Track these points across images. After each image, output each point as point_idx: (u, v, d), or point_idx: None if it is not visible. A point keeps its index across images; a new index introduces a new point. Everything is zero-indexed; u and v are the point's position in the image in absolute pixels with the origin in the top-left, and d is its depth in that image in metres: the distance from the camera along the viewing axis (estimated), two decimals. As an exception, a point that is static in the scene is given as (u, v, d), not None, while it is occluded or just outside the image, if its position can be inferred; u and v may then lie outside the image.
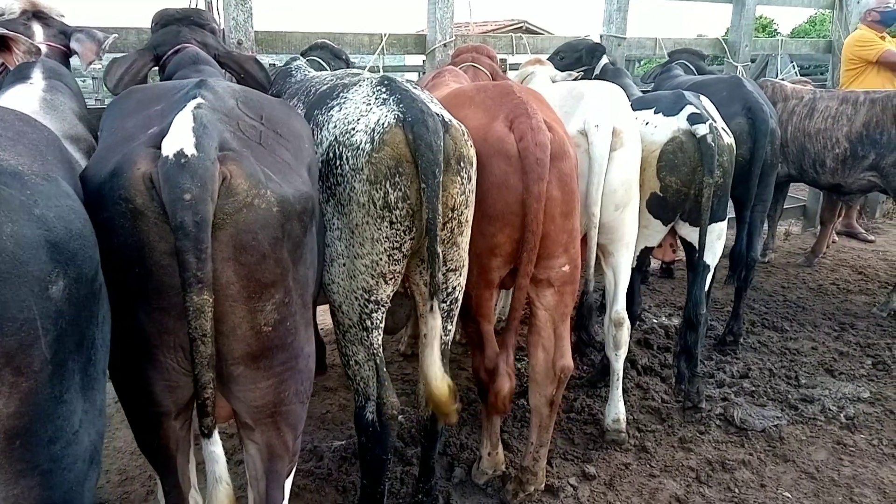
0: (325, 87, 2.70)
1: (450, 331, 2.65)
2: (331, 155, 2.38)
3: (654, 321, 5.16)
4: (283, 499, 2.03)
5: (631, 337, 4.63)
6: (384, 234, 2.34)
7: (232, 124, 1.83)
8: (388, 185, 2.29)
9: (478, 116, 2.79)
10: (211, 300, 1.65)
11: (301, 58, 3.84)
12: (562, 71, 4.48)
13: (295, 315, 1.89)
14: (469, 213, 2.51)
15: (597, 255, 3.29)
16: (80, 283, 1.41)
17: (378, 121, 2.31)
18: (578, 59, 5.05)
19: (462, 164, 2.40)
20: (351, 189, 2.33)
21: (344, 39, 4.37)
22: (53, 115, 2.35)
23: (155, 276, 1.68)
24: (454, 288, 2.59)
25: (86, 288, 1.44)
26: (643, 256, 3.74)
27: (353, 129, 2.34)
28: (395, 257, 2.38)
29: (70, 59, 2.96)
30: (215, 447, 1.82)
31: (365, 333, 2.48)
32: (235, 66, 3.33)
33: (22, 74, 2.52)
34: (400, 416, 2.62)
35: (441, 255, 2.37)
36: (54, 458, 1.38)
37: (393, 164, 2.28)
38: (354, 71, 3.05)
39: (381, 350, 2.52)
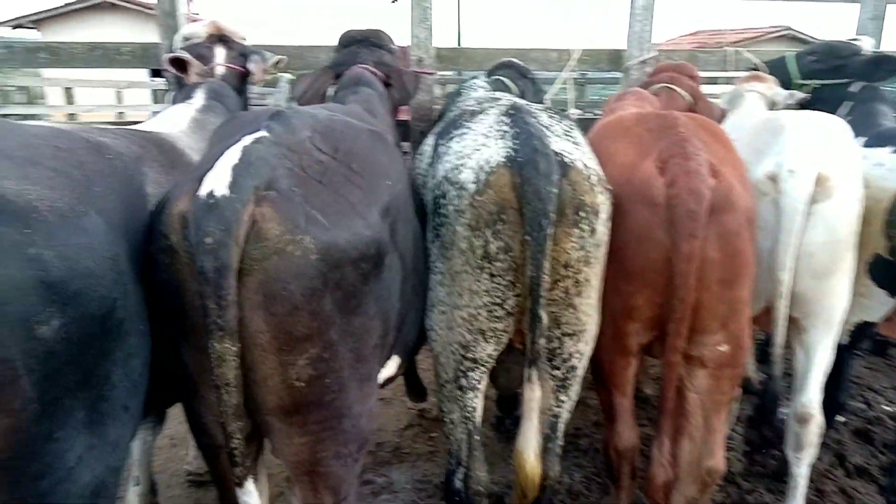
0: (456, 113, 2.47)
1: (563, 402, 2.26)
2: (438, 192, 2.16)
3: (885, 409, 4.05)
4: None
5: (845, 426, 3.72)
6: (483, 287, 2.06)
7: (293, 160, 1.69)
8: (489, 234, 2.00)
9: (627, 153, 2.35)
10: (234, 349, 1.54)
11: (480, 77, 3.66)
12: (807, 79, 3.64)
13: (340, 371, 1.70)
14: (592, 272, 2.11)
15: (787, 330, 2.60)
16: (84, 321, 1.37)
17: (487, 158, 2.03)
18: (839, 68, 3.85)
19: (582, 214, 2.01)
20: (453, 232, 2.09)
21: (530, 56, 4.10)
22: (199, 133, 2.46)
23: (190, 315, 1.61)
24: (570, 355, 2.20)
25: (94, 326, 1.40)
26: (860, 332, 2.91)
27: (463, 164, 2.09)
28: (497, 314, 2.08)
29: (247, 78, 3.14)
30: (248, 497, 1.72)
31: (460, 392, 2.22)
32: (398, 85, 3.28)
33: (186, 94, 2.70)
34: (485, 496, 2.30)
35: (546, 318, 2.01)
36: (42, 493, 1.36)
37: (496, 210, 1.98)
38: (496, 95, 2.78)
39: (477, 414, 2.24)
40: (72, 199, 1.44)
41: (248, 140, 1.66)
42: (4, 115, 11.50)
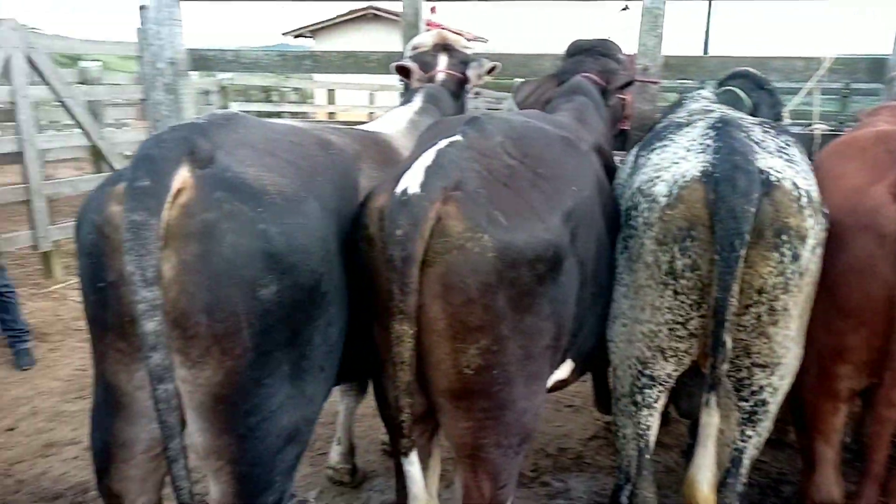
0: (663, 125, 2.42)
1: (749, 437, 2.11)
2: (630, 203, 2.14)
3: None
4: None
5: None
6: (666, 304, 2.00)
7: (482, 163, 1.81)
8: (676, 249, 1.95)
9: (858, 175, 2.11)
10: (412, 332, 1.70)
11: (708, 87, 3.50)
12: None
13: (507, 365, 1.79)
14: (792, 301, 1.93)
15: None
16: (295, 289, 1.63)
17: (683, 172, 1.97)
18: None
19: (784, 237, 1.86)
20: (640, 245, 2.06)
21: (771, 65, 3.77)
22: (413, 134, 2.71)
23: (380, 298, 1.80)
24: (761, 388, 2.04)
25: (302, 294, 1.65)
26: None
27: (659, 177, 2.05)
28: (679, 333, 2.01)
29: (465, 84, 3.34)
30: (411, 467, 1.89)
31: (634, 408, 2.18)
32: (617, 94, 3.27)
33: (408, 97, 2.98)
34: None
35: (730, 344, 1.90)
36: (249, 426, 1.64)
37: (685, 226, 1.92)
38: (710, 107, 2.64)
39: (650, 433, 2.18)
40: (297, 186, 1.71)
41: (443, 143, 1.81)
42: (280, 112, 13.40)
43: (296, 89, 14.86)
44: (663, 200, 1.98)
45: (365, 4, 20.11)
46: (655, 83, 3.78)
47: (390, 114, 2.88)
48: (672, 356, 2.06)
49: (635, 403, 2.17)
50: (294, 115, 13.31)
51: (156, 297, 1.42)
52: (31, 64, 6.02)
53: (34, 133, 6.20)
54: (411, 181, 1.70)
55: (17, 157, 6.17)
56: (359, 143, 2.23)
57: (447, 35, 3.35)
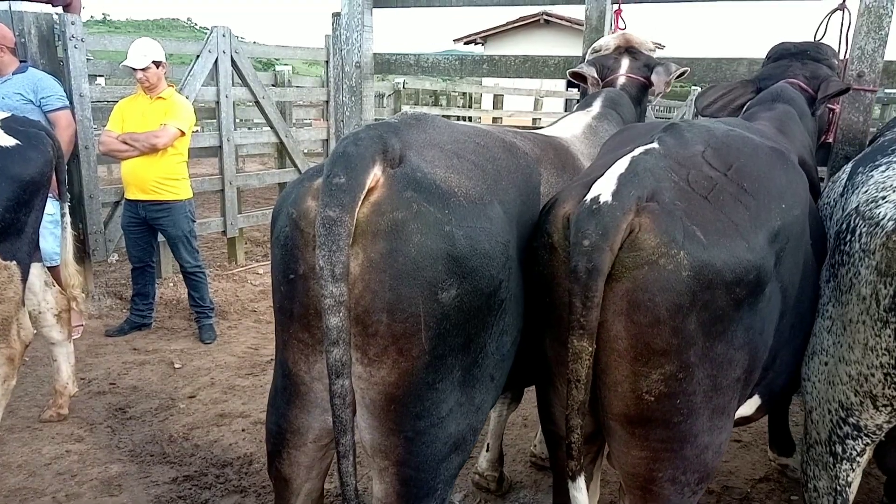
0: (889, 138, 2.11)
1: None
2: (844, 226, 1.89)
3: None
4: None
5: None
6: (884, 345, 1.74)
7: (681, 174, 1.68)
8: (902, 282, 1.68)
9: None
10: (591, 349, 1.61)
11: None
12: None
13: (692, 395, 1.65)
14: None
15: None
16: (474, 295, 1.60)
17: (917, 194, 1.70)
18: None
19: None
20: (855, 274, 1.81)
21: None
22: (592, 139, 2.61)
23: (558, 310, 1.73)
24: None
25: (481, 300, 1.62)
26: None
27: (884, 197, 1.79)
28: (896, 379, 1.74)
29: (648, 89, 3.17)
30: (578, 493, 1.80)
31: (832, 459, 1.93)
32: (826, 103, 2.93)
33: (587, 102, 2.87)
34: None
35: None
36: (417, 430, 1.64)
37: (916, 256, 1.65)
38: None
39: (850, 490, 1.92)
40: (482, 189, 1.68)
41: (638, 151, 1.70)
42: (448, 115, 13.76)
43: (463, 94, 15.17)
44: (890, 226, 1.72)
45: (537, 10, 20.10)
46: (873, 91, 3.36)
47: (568, 118, 2.80)
48: (885, 406, 1.79)
49: (833, 454, 1.92)
50: (461, 118, 13.59)
51: (342, 293, 1.45)
52: (235, 67, 6.62)
53: (232, 130, 6.82)
54: (603, 189, 1.60)
55: (215, 151, 6.82)
56: (539, 148, 2.17)
57: (632, 37, 3.19)
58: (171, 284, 6.46)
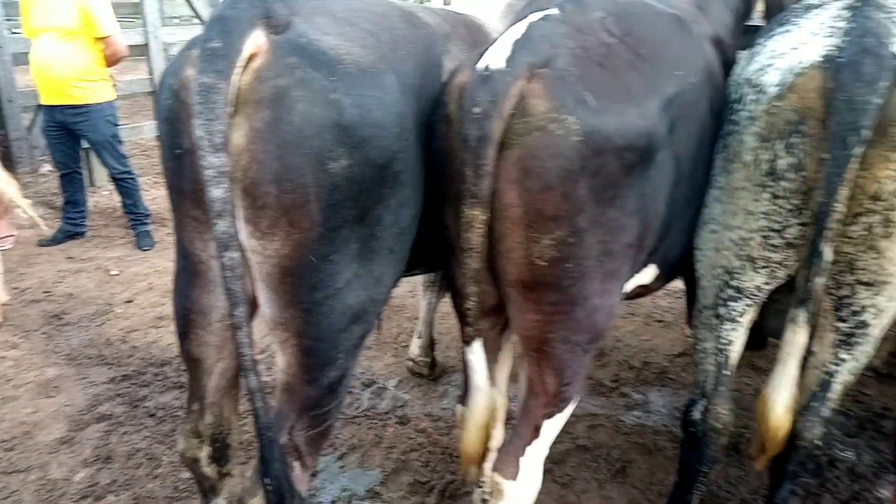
0: (791, 9, 2.11)
1: (843, 361, 1.94)
2: (734, 96, 1.94)
3: None
4: (534, 439, 1.94)
5: None
6: (762, 209, 1.83)
7: (577, 40, 1.67)
8: (780, 146, 1.75)
9: None
10: (483, 217, 1.65)
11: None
12: None
13: (583, 260, 1.71)
14: (916, 213, 1.71)
15: None
16: (366, 165, 1.60)
17: (801, 58, 1.74)
18: None
19: (916, 138, 1.62)
20: (740, 142, 1.88)
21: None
22: (509, 18, 2.55)
23: (455, 181, 1.75)
24: (863, 308, 1.85)
25: (374, 171, 1.62)
26: None
27: (772, 65, 1.83)
28: (773, 242, 1.85)
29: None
30: (473, 356, 1.89)
31: (716, 321, 2.05)
32: None
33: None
34: (725, 435, 2.12)
35: (830, 255, 1.73)
36: (314, 301, 1.67)
37: (795, 119, 1.72)
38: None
39: (732, 349, 2.06)
40: (375, 58, 1.64)
41: (536, 17, 1.69)
42: None
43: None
44: (773, 90, 1.76)
45: None
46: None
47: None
48: (763, 267, 1.90)
49: (718, 316, 2.04)
50: None
51: (223, 164, 1.44)
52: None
53: (159, 26, 6.46)
54: (497, 56, 1.60)
55: (143, 50, 6.48)
56: (448, 24, 2.12)
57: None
58: (106, 192, 6.29)
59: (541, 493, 2.73)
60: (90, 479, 2.82)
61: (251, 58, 1.49)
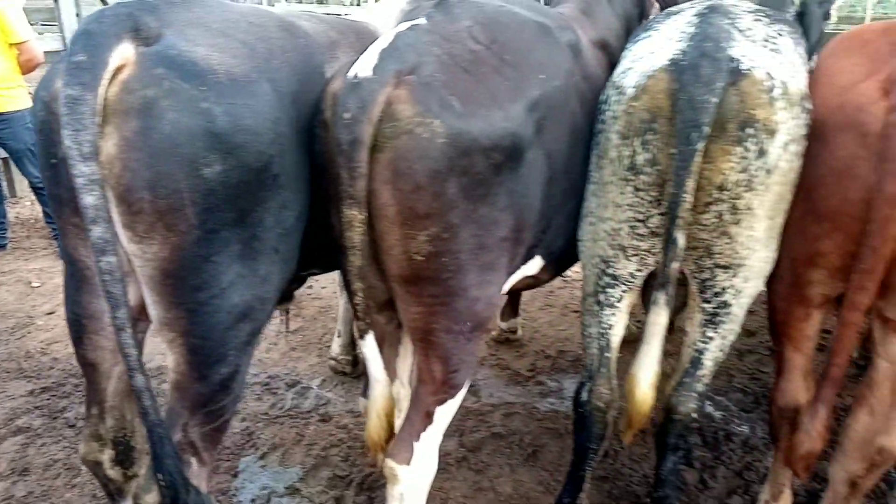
0: (660, 14, 2.27)
1: (710, 339, 2.10)
2: (602, 97, 2.07)
3: None
4: (428, 425, 2.04)
5: None
6: (626, 201, 1.97)
7: (444, 48, 1.78)
8: (637, 143, 1.89)
9: (853, 71, 1.97)
10: (361, 217, 1.74)
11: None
12: None
13: (458, 254, 1.82)
14: (757, 200, 1.87)
15: None
16: (242, 170, 1.66)
17: (654, 62, 1.89)
18: None
19: (750, 131, 1.78)
20: (606, 140, 2.01)
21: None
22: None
23: (335, 183, 1.83)
24: (723, 290, 2.01)
25: (250, 175, 1.68)
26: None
27: (631, 68, 1.97)
28: (639, 231, 1.99)
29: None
30: (367, 349, 1.97)
31: (598, 307, 2.19)
32: None
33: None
34: (610, 413, 2.26)
35: (683, 241, 1.88)
36: (198, 301, 1.72)
37: (647, 118, 1.86)
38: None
39: (612, 333, 2.19)
40: (248, 68, 1.71)
41: (404, 27, 1.78)
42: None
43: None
44: (630, 92, 1.91)
45: None
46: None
47: (384, 5, 2.81)
48: (633, 255, 2.04)
49: (598, 303, 2.18)
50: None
51: (93, 172, 1.48)
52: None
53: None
54: (365, 64, 1.69)
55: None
56: (335, 32, 2.20)
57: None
58: (29, 203, 6.15)
59: (456, 479, 2.87)
60: (4, 493, 2.80)
61: (118, 70, 1.53)
